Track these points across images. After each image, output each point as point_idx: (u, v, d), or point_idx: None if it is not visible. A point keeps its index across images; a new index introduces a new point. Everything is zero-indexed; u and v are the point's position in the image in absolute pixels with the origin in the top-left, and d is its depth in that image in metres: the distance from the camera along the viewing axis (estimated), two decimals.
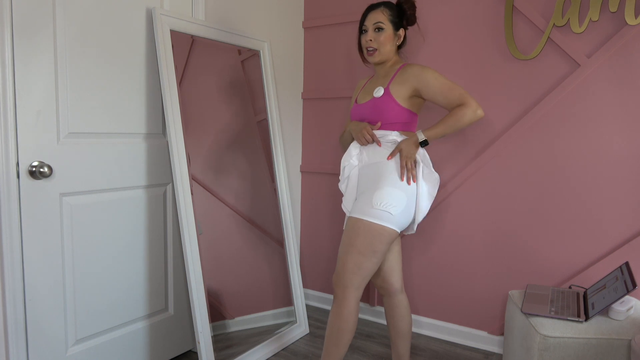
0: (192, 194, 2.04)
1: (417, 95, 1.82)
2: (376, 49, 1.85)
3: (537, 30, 2.19)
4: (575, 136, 2.14)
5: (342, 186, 1.93)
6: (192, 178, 2.09)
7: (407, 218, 1.78)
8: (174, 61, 2.03)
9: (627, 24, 1.96)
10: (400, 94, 1.80)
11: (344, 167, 1.90)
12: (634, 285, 1.68)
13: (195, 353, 2.29)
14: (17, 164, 1.62)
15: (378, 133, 1.83)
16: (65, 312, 1.79)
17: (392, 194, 1.73)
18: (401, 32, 1.89)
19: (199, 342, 1.99)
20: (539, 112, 2.20)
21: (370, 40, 1.84)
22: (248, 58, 2.47)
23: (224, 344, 2.17)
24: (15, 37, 1.58)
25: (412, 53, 2.52)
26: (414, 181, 1.75)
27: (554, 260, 2.22)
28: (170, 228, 2.16)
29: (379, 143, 1.82)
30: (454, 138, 2.44)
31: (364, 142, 1.84)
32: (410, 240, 2.60)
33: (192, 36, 2.16)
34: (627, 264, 1.82)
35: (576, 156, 2.15)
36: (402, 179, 1.75)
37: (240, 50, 2.42)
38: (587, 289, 1.97)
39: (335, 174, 2.84)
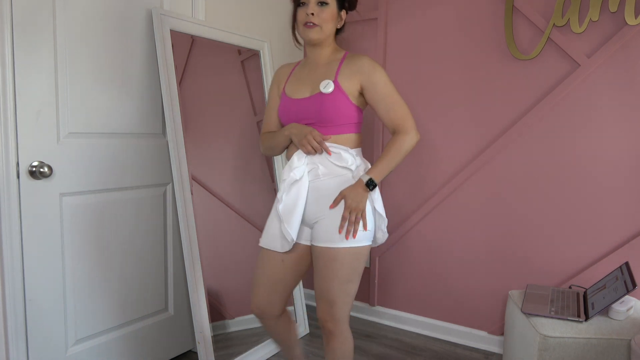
0: (192, 194, 2.04)
1: (362, 93, 1.57)
2: (317, 24, 1.55)
3: (537, 30, 2.19)
4: (575, 136, 2.14)
5: (279, 206, 1.53)
6: (192, 178, 2.09)
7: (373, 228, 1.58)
8: (174, 61, 2.03)
9: (627, 24, 1.96)
10: (351, 90, 1.54)
11: (284, 181, 1.53)
12: (634, 285, 1.68)
13: (195, 353, 2.29)
14: (17, 164, 1.62)
15: (330, 147, 1.54)
16: (65, 312, 1.79)
17: (366, 210, 1.52)
18: (343, 14, 1.63)
19: (199, 342, 1.99)
20: (539, 112, 2.20)
21: (312, 14, 1.54)
22: (248, 58, 2.47)
23: (224, 344, 2.17)
24: (15, 37, 1.58)
25: (413, 53, 2.52)
26: (353, 237, 1.48)
27: (554, 260, 2.22)
28: (170, 228, 2.16)
29: (328, 152, 1.51)
30: (454, 138, 2.44)
31: (311, 151, 1.51)
32: (410, 240, 2.60)
33: (192, 36, 2.16)
34: (627, 264, 1.82)
35: (576, 156, 2.15)
36: (339, 232, 1.48)
37: (240, 50, 2.42)
38: (587, 289, 1.98)
39: None
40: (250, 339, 2.28)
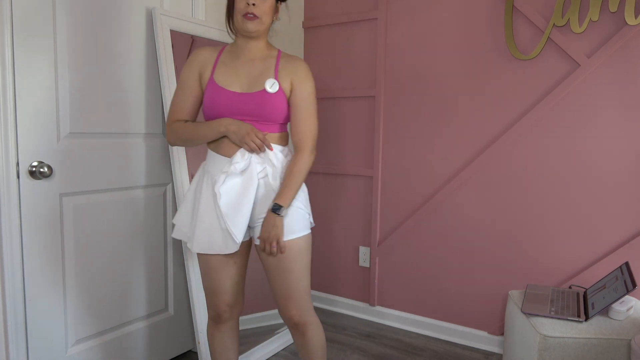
0: None
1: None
2: (258, 17, 1.50)
3: (537, 30, 2.19)
4: (575, 136, 2.14)
5: (221, 201, 1.47)
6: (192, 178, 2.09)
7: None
8: (174, 61, 2.03)
9: (627, 24, 1.96)
10: (286, 90, 1.53)
11: (223, 174, 1.48)
12: (634, 285, 1.68)
13: (195, 353, 2.29)
14: (17, 164, 1.62)
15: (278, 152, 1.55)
16: (65, 312, 1.79)
17: (302, 194, 1.57)
18: (279, 5, 1.59)
19: (199, 342, 1.99)
20: (539, 112, 2.20)
21: (253, 4, 1.48)
22: None
23: None
24: (15, 37, 1.58)
25: (413, 53, 2.52)
26: (277, 254, 1.51)
27: (554, 260, 2.22)
28: (170, 228, 2.16)
29: (270, 147, 1.50)
30: (453, 138, 2.44)
31: (255, 149, 1.48)
32: (411, 240, 2.61)
33: (192, 36, 2.16)
34: (627, 264, 1.82)
35: (576, 156, 2.15)
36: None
37: None
38: (587, 289, 1.98)
39: (335, 173, 2.84)
40: (250, 339, 2.28)
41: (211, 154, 1.57)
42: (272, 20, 1.57)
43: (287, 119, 1.57)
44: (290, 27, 2.82)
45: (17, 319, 1.64)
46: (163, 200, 2.13)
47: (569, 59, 2.13)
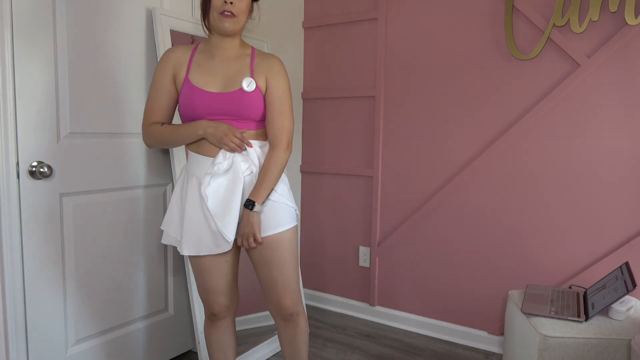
0: None
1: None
2: (235, 15, 1.50)
3: (537, 30, 2.19)
4: (575, 136, 2.14)
5: (209, 203, 1.48)
6: None
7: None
8: None
9: (627, 24, 1.96)
10: (262, 87, 1.55)
11: (207, 175, 1.49)
12: (634, 285, 1.68)
13: (195, 353, 2.29)
14: (17, 164, 1.62)
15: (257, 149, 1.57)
16: (65, 312, 1.79)
17: (285, 188, 1.60)
18: (254, 4, 1.62)
19: (199, 342, 1.99)
20: (539, 112, 2.20)
21: (231, 2, 1.48)
22: None
23: None
24: (15, 37, 1.58)
25: (413, 53, 2.52)
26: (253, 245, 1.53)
27: (554, 260, 2.22)
28: None
29: (249, 145, 1.52)
30: (453, 138, 2.44)
31: (235, 149, 1.49)
32: (411, 240, 2.61)
33: (192, 36, 2.16)
34: (627, 264, 1.82)
35: (576, 156, 2.15)
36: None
37: None
38: (587, 289, 1.98)
39: (335, 173, 2.84)
40: (250, 339, 2.28)
41: (193, 155, 1.56)
42: (247, 19, 1.57)
43: (263, 115, 1.57)
44: (290, 27, 2.82)
45: (17, 319, 1.64)
46: (163, 200, 2.13)
47: (569, 59, 2.13)
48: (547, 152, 2.21)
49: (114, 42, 1.89)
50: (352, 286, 2.84)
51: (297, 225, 1.61)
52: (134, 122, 1.99)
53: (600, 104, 2.08)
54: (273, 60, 1.58)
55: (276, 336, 2.37)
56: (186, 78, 1.54)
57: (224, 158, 1.50)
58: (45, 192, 1.70)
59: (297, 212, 1.65)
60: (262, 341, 2.29)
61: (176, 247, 1.90)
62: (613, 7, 1.97)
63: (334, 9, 2.78)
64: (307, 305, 2.97)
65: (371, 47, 2.65)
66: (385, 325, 2.71)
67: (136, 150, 2.00)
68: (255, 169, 1.55)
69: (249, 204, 1.49)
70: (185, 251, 1.53)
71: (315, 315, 2.84)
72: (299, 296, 1.63)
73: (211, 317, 1.66)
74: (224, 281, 1.61)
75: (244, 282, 2.36)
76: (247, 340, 2.27)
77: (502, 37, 2.27)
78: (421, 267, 2.59)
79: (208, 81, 1.53)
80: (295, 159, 2.95)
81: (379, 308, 2.75)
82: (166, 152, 2.11)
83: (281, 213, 1.55)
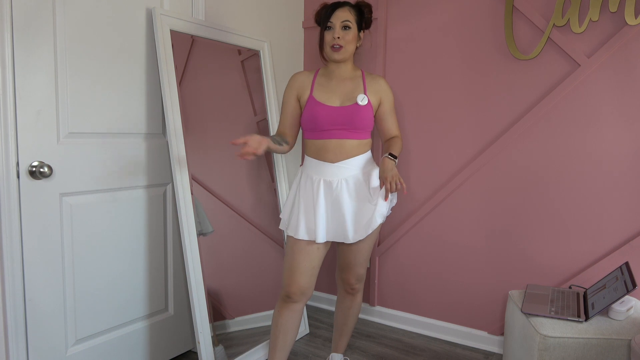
0: (192, 194, 2.04)
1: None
2: (342, 46, 1.83)
3: (537, 30, 2.19)
4: (575, 136, 2.14)
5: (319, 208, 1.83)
6: (192, 178, 2.09)
7: None
8: (174, 61, 2.03)
9: (627, 24, 1.96)
10: (374, 103, 1.90)
11: (320, 181, 1.85)
12: (634, 285, 1.68)
13: (195, 353, 2.29)
14: (17, 164, 1.62)
15: (365, 157, 1.89)
16: (65, 312, 1.79)
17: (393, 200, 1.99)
18: (361, 34, 1.91)
19: (199, 342, 1.99)
20: (539, 112, 2.20)
21: (339, 37, 1.82)
22: (248, 58, 2.47)
23: (224, 344, 2.17)
24: (15, 37, 1.58)
25: (413, 53, 2.52)
26: (404, 192, 1.81)
27: (554, 260, 2.22)
28: (170, 228, 2.16)
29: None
30: (453, 138, 2.44)
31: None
32: (411, 240, 2.61)
33: (192, 36, 2.16)
34: (627, 264, 1.82)
35: (576, 156, 2.15)
36: (385, 199, 1.78)
37: (240, 50, 2.42)
38: (587, 289, 1.98)
39: None
40: (250, 339, 2.28)
41: (311, 160, 1.89)
42: (356, 47, 1.90)
43: (372, 126, 1.91)
44: (290, 27, 2.82)
45: (17, 319, 1.64)
46: (163, 200, 2.13)
47: (569, 59, 2.13)
48: (547, 153, 2.21)
49: (114, 41, 1.89)
50: None
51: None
52: (134, 122, 1.99)
53: (600, 104, 2.08)
54: (381, 80, 1.94)
55: None
56: (310, 96, 1.88)
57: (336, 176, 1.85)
58: (45, 192, 1.70)
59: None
60: (262, 341, 2.29)
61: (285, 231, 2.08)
62: (613, 7, 1.97)
63: None
64: (307, 305, 2.97)
65: (371, 47, 2.65)
66: (385, 325, 2.71)
67: (136, 150, 2.00)
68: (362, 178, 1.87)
69: (393, 156, 1.82)
70: (299, 234, 1.82)
71: (316, 315, 2.84)
72: (364, 277, 2.01)
73: (285, 299, 1.85)
74: (309, 264, 1.84)
75: (244, 281, 2.36)
76: (247, 340, 2.27)
77: (502, 37, 2.27)
78: (421, 267, 2.59)
79: (329, 97, 1.87)
80: (296, 159, 2.94)
81: (379, 308, 2.75)
82: (166, 153, 2.11)
83: (380, 212, 1.85)
